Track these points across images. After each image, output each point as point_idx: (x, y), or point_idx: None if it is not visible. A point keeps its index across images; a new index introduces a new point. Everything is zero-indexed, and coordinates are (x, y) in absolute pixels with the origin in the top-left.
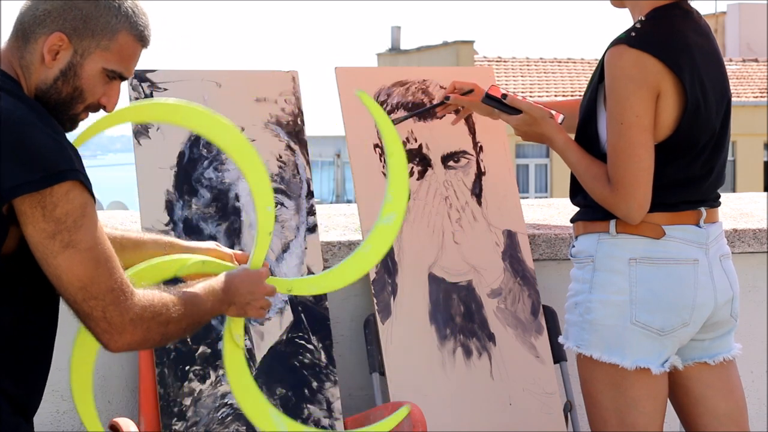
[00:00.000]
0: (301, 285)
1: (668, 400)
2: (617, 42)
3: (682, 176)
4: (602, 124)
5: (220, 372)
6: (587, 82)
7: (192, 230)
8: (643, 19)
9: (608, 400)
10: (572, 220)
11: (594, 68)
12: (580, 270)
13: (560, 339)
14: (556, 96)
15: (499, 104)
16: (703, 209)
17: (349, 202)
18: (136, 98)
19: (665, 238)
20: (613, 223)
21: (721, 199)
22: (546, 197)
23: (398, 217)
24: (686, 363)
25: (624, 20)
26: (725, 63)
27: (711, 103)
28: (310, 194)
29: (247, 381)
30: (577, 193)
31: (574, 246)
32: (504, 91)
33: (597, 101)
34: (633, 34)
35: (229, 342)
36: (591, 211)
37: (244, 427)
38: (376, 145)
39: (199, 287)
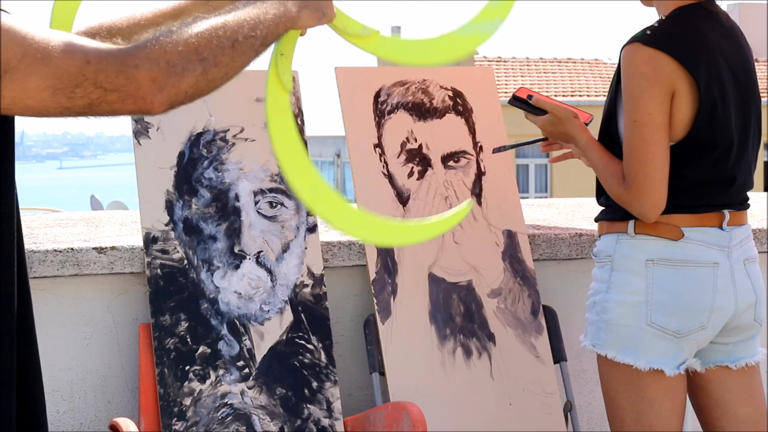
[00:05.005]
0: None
1: (689, 401)
2: (632, 40)
3: (701, 178)
4: (622, 123)
5: (220, 372)
6: (586, 82)
7: (192, 230)
8: (663, 18)
9: (625, 400)
10: (596, 220)
11: (592, 68)
12: (600, 269)
13: (581, 337)
14: (555, 96)
15: (525, 105)
16: (726, 212)
17: (349, 202)
18: None
19: (684, 240)
20: (631, 223)
21: (749, 202)
22: (546, 197)
23: (497, 24)
24: (708, 366)
25: (623, 20)
26: None
27: (730, 106)
28: None
29: (292, 139)
30: (602, 192)
31: (596, 246)
32: (530, 92)
33: (617, 100)
34: (648, 32)
35: (275, 83)
36: (612, 211)
37: (244, 427)
38: (376, 145)
39: (240, 3)
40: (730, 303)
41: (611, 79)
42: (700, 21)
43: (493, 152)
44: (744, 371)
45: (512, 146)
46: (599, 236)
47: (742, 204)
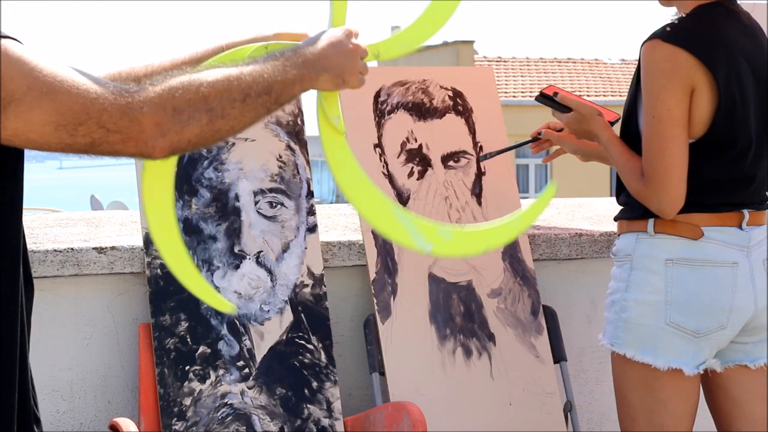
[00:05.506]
0: (387, 46)
1: (705, 402)
2: (652, 37)
3: (721, 176)
4: (642, 120)
5: (220, 372)
6: (586, 82)
7: (192, 230)
8: (683, 15)
9: (638, 399)
10: (616, 219)
11: (592, 68)
12: (619, 268)
13: (599, 336)
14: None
15: (552, 102)
16: (745, 211)
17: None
18: None
19: (703, 240)
20: (651, 222)
21: None
22: None
23: None
24: (726, 365)
25: (623, 20)
26: None
27: (750, 104)
28: (310, 194)
29: (354, 172)
30: (621, 191)
31: (615, 244)
32: (556, 90)
33: (637, 98)
34: (668, 29)
35: (326, 127)
36: (631, 210)
37: (244, 427)
38: (376, 145)
39: (261, 58)
40: (750, 303)
41: (632, 77)
42: (720, 19)
43: (479, 161)
44: (762, 371)
45: (498, 152)
46: (618, 235)
47: (762, 204)
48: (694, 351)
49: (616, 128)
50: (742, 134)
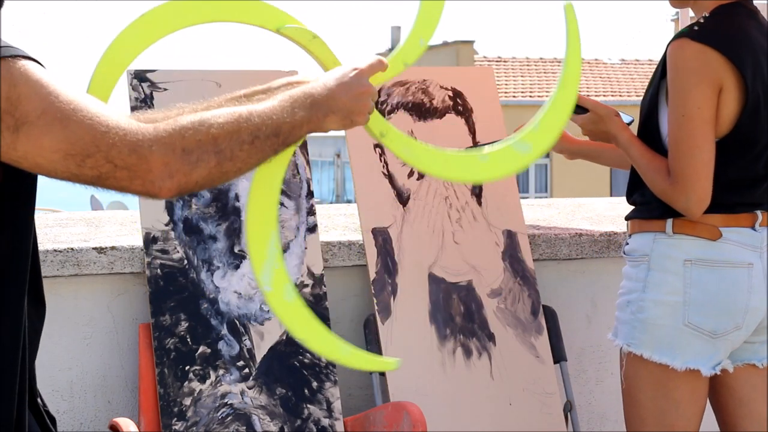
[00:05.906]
0: (395, 138)
1: (709, 400)
2: (679, 36)
3: (740, 177)
4: (663, 120)
5: (220, 372)
6: (586, 82)
7: (192, 230)
8: (706, 15)
9: (649, 399)
10: (627, 218)
11: (592, 68)
12: (634, 268)
13: (609, 336)
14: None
15: None
16: (758, 212)
17: (349, 202)
18: (136, 98)
19: (721, 240)
20: (669, 222)
21: None
22: (546, 197)
23: (533, 152)
24: (735, 364)
25: (623, 20)
26: None
27: None
28: (310, 194)
29: (272, 179)
30: (634, 191)
31: (627, 244)
32: None
33: (659, 97)
34: (696, 28)
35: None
36: (647, 209)
37: (244, 427)
38: (376, 145)
39: (268, 100)
40: (763, 303)
41: (651, 77)
42: (742, 19)
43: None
44: None
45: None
46: (630, 234)
47: None
48: (711, 352)
49: (632, 128)
50: (763, 135)
